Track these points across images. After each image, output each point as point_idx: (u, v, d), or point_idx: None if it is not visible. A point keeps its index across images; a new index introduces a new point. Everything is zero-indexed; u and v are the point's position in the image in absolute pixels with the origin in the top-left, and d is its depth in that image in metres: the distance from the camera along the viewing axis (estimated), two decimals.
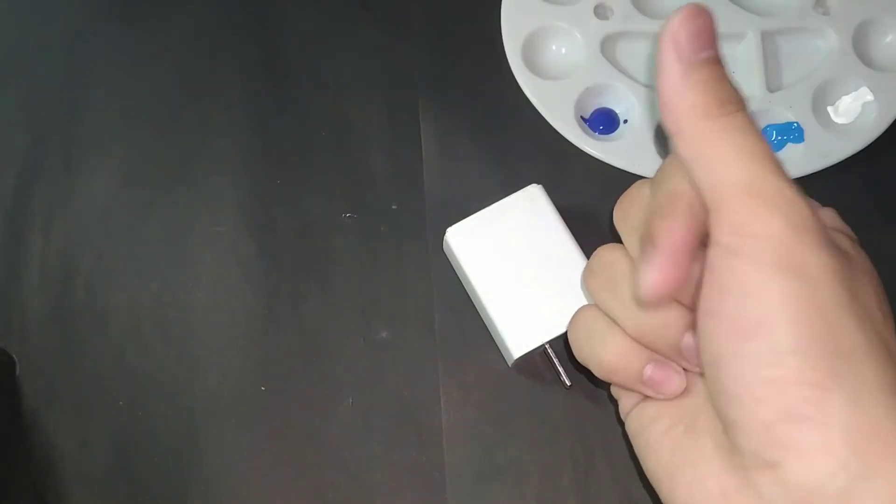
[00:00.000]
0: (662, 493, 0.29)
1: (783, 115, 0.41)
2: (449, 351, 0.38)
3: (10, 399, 0.38)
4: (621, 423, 0.37)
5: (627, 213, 0.31)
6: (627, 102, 0.42)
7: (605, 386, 0.38)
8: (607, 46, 0.43)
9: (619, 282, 0.30)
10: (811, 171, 0.40)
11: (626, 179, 0.41)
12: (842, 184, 0.41)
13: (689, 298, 0.28)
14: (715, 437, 0.27)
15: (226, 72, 0.43)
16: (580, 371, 0.37)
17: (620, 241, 0.31)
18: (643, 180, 0.31)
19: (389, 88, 0.43)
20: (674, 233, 0.26)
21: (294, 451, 0.37)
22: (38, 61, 0.44)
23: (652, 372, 0.29)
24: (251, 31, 0.44)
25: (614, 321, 0.30)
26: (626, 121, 0.42)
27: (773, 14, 0.43)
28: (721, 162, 0.25)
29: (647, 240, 0.27)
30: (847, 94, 0.42)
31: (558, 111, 0.42)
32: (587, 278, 0.32)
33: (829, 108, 0.42)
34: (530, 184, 0.38)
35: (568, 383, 0.36)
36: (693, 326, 0.28)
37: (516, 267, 0.36)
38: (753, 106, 0.41)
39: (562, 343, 0.37)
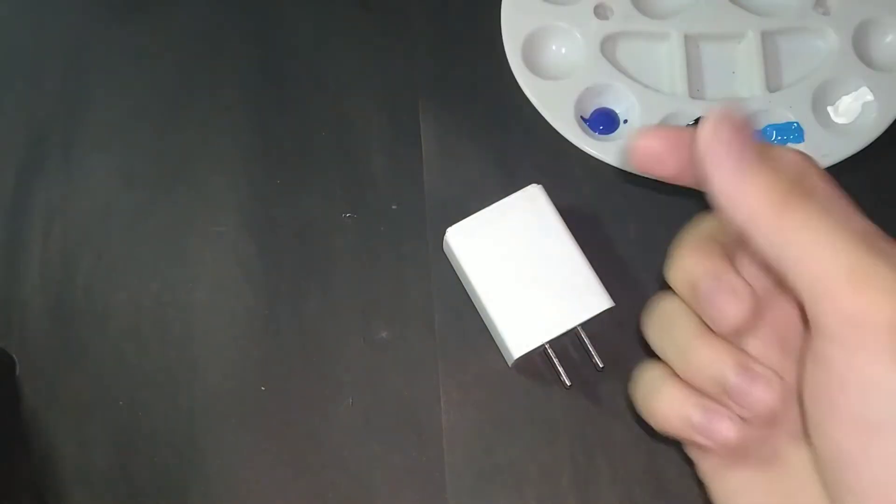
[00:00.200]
0: None
1: (783, 115, 0.41)
2: (449, 351, 0.38)
3: (10, 399, 0.38)
4: (621, 423, 0.37)
5: (682, 267, 0.29)
6: (627, 102, 0.42)
7: (605, 386, 0.38)
8: (607, 46, 0.43)
9: (672, 325, 0.29)
10: None
11: (626, 179, 0.41)
12: (842, 184, 0.41)
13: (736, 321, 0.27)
14: None
15: (226, 72, 0.43)
16: (580, 371, 0.38)
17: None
18: (694, 236, 0.30)
19: (389, 88, 0.43)
20: None
21: (294, 451, 0.37)
22: (38, 61, 0.44)
23: (701, 416, 0.27)
24: (251, 31, 0.44)
25: (669, 369, 0.29)
26: (626, 121, 0.42)
27: (773, 14, 0.43)
28: (814, 252, 0.23)
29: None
30: (847, 94, 0.42)
31: (558, 111, 0.42)
32: (647, 329, 0.31)
33: (829, 108, 0.42)
34: (530, 184, 0.38)
35: (568, 383, 0.36)
36: (741, 366, 0.27)
37: (516, 267, 0.36)
38: (753, 106, 0.41)
39: (562, 343, 0.37)
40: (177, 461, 0.37)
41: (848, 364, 0.23)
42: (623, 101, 0.42)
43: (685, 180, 0.27)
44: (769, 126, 0.41)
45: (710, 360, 0.27)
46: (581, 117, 0.42)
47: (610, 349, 0.37)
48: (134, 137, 0.42)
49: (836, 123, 0.42)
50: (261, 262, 0.40)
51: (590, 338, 0.36)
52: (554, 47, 0.43)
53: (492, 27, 0.43)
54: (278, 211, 0.41)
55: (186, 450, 0.37)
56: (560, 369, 0.36)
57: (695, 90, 0.42)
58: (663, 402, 0.29)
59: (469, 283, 0.37)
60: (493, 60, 0.43)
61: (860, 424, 0.23)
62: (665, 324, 0.30)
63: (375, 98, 0.43)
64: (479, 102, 0.43)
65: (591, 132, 0.42)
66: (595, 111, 0.42)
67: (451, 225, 0.37)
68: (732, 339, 0.28)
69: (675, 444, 0.36)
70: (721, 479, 0.29)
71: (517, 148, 0.42)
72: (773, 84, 0.42)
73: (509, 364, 0.37)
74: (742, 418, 0.27)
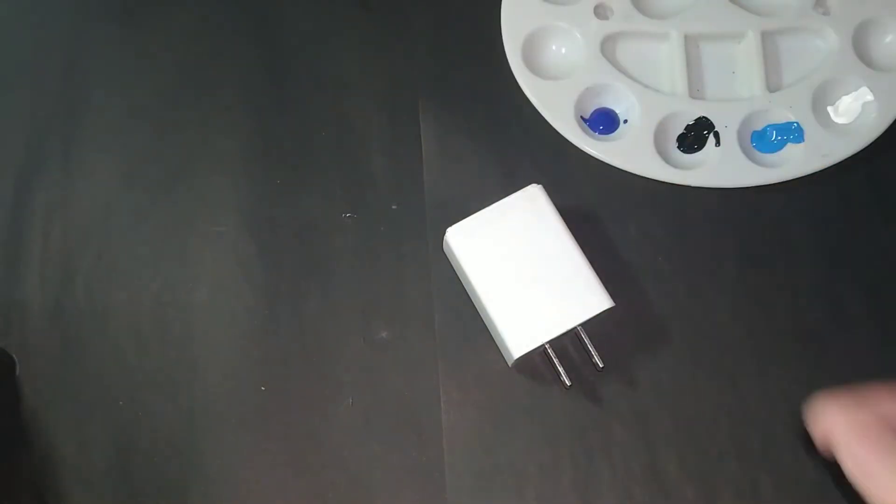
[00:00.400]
0: None
1: (783, 115, 0.41)
2: (449, 351, 0.38)
3: (10, 399, 0.38)
4: (621, 423, 0.37)
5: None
6: (627, 102, 0.42)
7: (605, 386, 0.38)
8: (607, 46, 0.43)
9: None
10: (811, 171, 0.40)
11: (626, 179, 0.41)
12: (842, 184, 0.41)
13: None
14: None
15: (226, 72, 0.43)
16: (580, 371, 0.38)
17: None
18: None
19: (389, 88, 0.43)
20: None
21: (294, 451, 0.37)
22: (38, 61, 0.44)
23: None
24: (251, 31, 0.44)
25: None
26: (626, 121, 0.42)
27: (773, 14, 0.43)
28: None
29: None
30: (847, 94, 0.42)
31: (558, 111, 0.42)
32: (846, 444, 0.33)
33: (829, 108, 0.42)
34: (530, 184, 0.38)
35: (568, 383, 0.36)
36: None
37: (516, 267, 0.36)
38: (753, 106, 0.41)
39: (562, 343, 0.37)
40: (177, 461, 0.37)
41: None
42: (623, 101, 0.42)
43: None
44: (769, 126, 0.41)
45: None
46: (581, 117, 0.42)
47: (610, 349, 0.37)
48: (134, 137, 0.42)
49: (836, 123, 0.42)
50: (261, 262, 0.40)
51: (590, 338, 0.36)
52: (554, 47, 0.43)
53: (492, 27, 0.43)
54: (278, 211, 0.41)
55: (186, 450, 0.37)
56: (560, 369, 0.36)
57: (695, 90, 0.42)
58: None
59: (469, 283, 0.37)
60: (493, 60, 0.43)
61: None
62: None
63: (375, 98, 0.43)
64: (479, 102, 0.43)
65: (591, 132, 0.42)
66: (595, 111, 0.42)
67: (451, 225, 0.37)
68: None
69: (674, 444, 0.36)
70: None
71: (517, 148, 0.42)
72: (773, 84, 0.42)
73: (509, 364, 0.37)
74: None
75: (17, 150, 0.42)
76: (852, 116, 0.42)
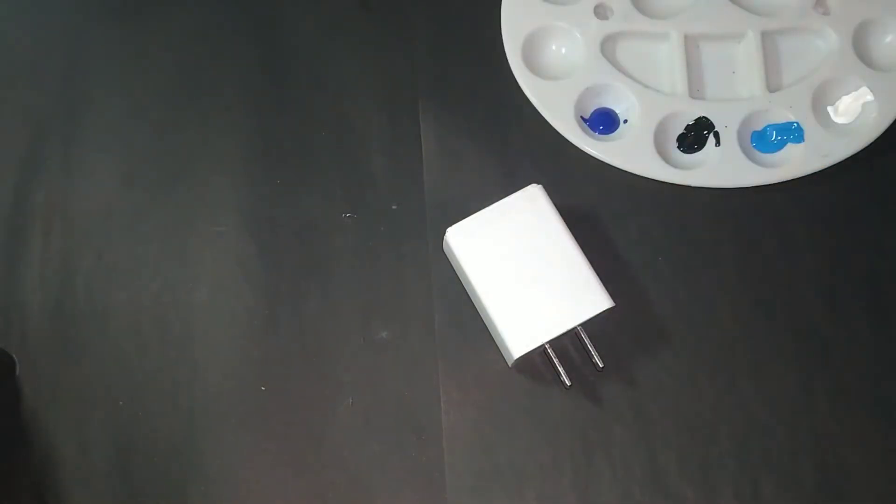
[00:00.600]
0: None
1: (783, 115, 0.41)
2: (449, 351, 0.38)
3: (10, 399, 0.38)
4: (621, 423, 0.37)
5: None
6: (627, 102, 0.42)
7: (605, 386, 0.38)
8: (607, 46, 0.43)
9: None
10: (811, 171, 0.40)
11: (626, 179, 0.41)
12: (842, 184, 0.41)
13: None
14: None
15: (226, 72, 0.43)
16: (580, 371, 0.38)
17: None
18: None
19: (389, 88, 0.43)
20: None
21: (294, 451, 0.37)
22: (38, 61, 0.44)
23: None
24: (251, 31, 0.44)
25: None
26: (626, 121, 0.42)
27: (773, 14, 0.43)
28: None
29: None
30: (847, 94, 0.42)
31: (558, 111, 0.42)
32: None
33: (829, 108, 0.42)
34: (530, 184, 0.38)
35: (568, 383, 0.36)
36: None
37: (516, 267, 0.36)
38: (753, 106, 0.41)
39: (562, 343, 0.37)
40: (177, 461, 0.37)
41: None
42: (623, 101, 0.42)
43: None
44: (769, 126, 0.41)
45: None
46: (581, 117, 0.42)
47: (610, 349, 0.37)
48: (134, 137, 0.42)
49: (836, 123, 0.42)
50: (261, 262, 0.40)
51: (590, 338, 0.36)
52: (554, 47, 0.43)
53: (492, 27, 0.43)
54: (278, 211, 0.41)
55: (186, 450, 0.37)
56: (560, 369, 0.36)
57: (695, 90, 0.42)
58: None
59: (469, 283, 0.37)
60: (493, 60, 0.43)
61: None
62: None
63: (375, 98, 0.43)
64: (479, 102, 0.43)
65: (591, 132, 0.42)
66: (595, 111, 0.42)
67: (451, 225, 0.37)
68: None
69: (674, 444, 0.36)
70: None
71: (517, 148, 0.42)
72: (773, 84, 0.42)
73: (509, 364, 0.37)
74: None
75: (17, 150, 0.42)
76: (852, 116, 0.42)
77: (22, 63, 0.44)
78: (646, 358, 0.38)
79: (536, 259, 0.36)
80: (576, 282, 0.36)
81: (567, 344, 0.38)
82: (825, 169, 0.40)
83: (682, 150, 0.41)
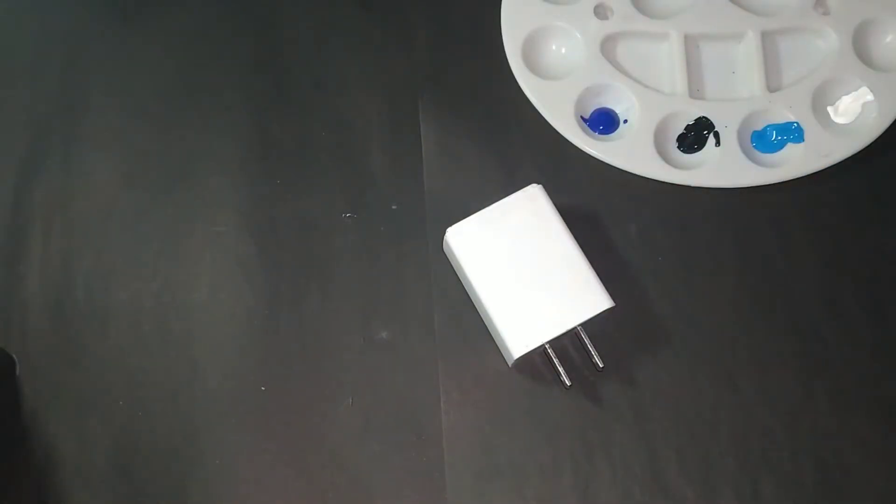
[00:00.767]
0: None
1: (783, 115, 0.41)
2: (449, 351, 0.38)
3: (10, 399, 0.38)
4: (621, 423, 0.37)
5: None
6: (627, 102, 0.42)
7: (605, 386, 0.38)
8: (607, 46, 0.43)
9: None
10: (811, 171, 0.40)
11: (626, 179, 0.41)
12: (842, 184, 0.41)
13: None
14: None
15: (226, 72, 0.43)
16: (580, 371, 0.38)
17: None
18: None
19: (389, 88, 0.43)
20: None
21: (294, 451, 0.37)
22: (38, 61, 0.44)
23: None
24: (251, 32, 0.44)
25: None
26: (626, 121, 0.42)
27: (773, 14, 0.43)
28: None
29: None
30: (847, 94, 0.42)
31: (558, 111, 0.42)
32: None
33: (829, 108, 0.42)
34: (530, 184, 0.38)
35: (568, 383, 0.36)
36: None
37: (516, 267, 0.36)
38: (753, 106, 0.41)
39: (562, 343, 0.37)
40: (177, 461, 0.37)
41: None
42: (623, 101, 0.42)
43: None
44: (769, 126, 0.41)
45: None
46: (581, 117, 0.42)
47: (610, 349, 0.37)
48: (134, 137, 0.42)
49: (836, 123, 0.42)
50: (261, 262, 0.40)
51: (590, 338, 0.36)
52: (554, 47, 0.43)
53: (492, 27, 0.43)
54: (278, 211, 0.41)
55: (186, 450, 0.37)
56: (560, 369, 0.36)
57: (695, 90, 0.42)
58: None
59: (469, 283, 0.37)
60: (493, 60, 0.43)
61: None
62: None
63: (375, 98, 0.43)
64: (479, 102, 0.43)
65: (591, 132, 0.42)
66: (595, 111, 0.42)
67: (451, 225, 0.37)
68: None
69: (674, 444, 0.36)
70: None
71: (517, 148, 0.42)
72: (773, 84, 0.42)
73: (509, 364, 0.37)
74: None
75: (17, 150, 0.42)
76: (852, 116, 0.42)
77: (22, 63, 0.44)
78: (646, 358, 0.38)
79: (536, 259, 0.36)
80: (576, 282, 0.36)
81: (567, 344, 0.38)
82: (825, 169, 0.40)
83: (682, 150, 0.41)
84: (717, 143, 0.41)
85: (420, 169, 0.41)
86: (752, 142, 0.41)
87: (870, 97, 0.41)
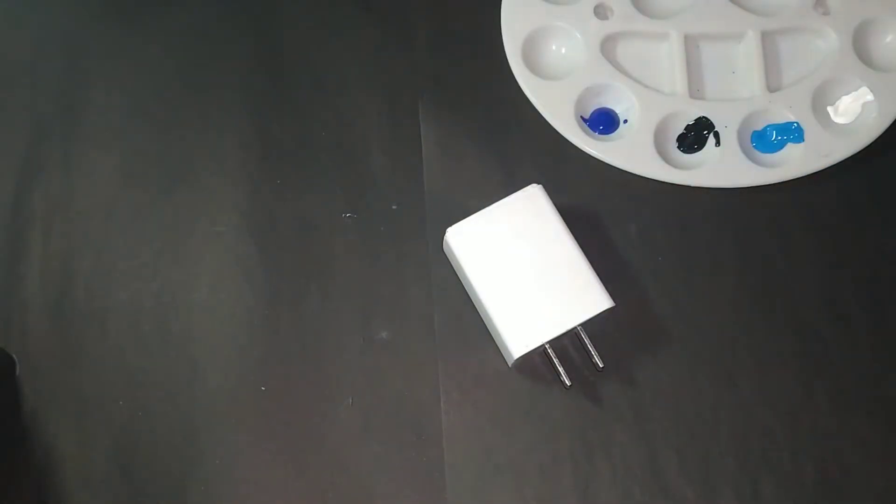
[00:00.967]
0: None
1: (783, 115, 0.41)
2: (449, 351, 0.38)
3: (10, 399, 0.38)
4: (621, 423, 0.37)
5: None
6: (627, 102, 0.42)
7: (605, 386, 0.38)
8: (607, 46, 0.43)
9: None
10: (811, 171, 0.40)
11: (626, 179, 0.41)
12: (842, 184, 0.41)
13: None
14: None
15: (226, 72, 0.43)
16: (580, 371, 0.38)
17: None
18: None
19: (389, 88, 0.43)
20: None
21: (294, 451, 0.37)
22: (38, 61, 0.44)
23: None
24: (251, 32, 0.44)
25: None
26: (626, 121, 0.42)
27: (773, 14, 0.43)
28: None
29: None
30: (847, 94, 0.42)
31: (558, 111, 0.42)
32: None
33: (829, 108, 0.42)
34: (530, 184, 0.38)
35: (568, 383, 0.36)
36: None
37: (516, 267, 0.36)
38: (753, 106, 0.41)
39: (562, 343, 0.37)
40: (177, 461, 0.37)
41: None
42: (623, 101, 0.42)
43: None
44: (769, 126, 0.41)
45: None
46: (581, 117, 0.42)
47: (610, 349, 0.37)
48: (134, 137, 0.42)
49: (836, 123, 0.42)
50: (261, 262, 0.40)
51: (590, 338, 0.36)
52: (554, 47, 0.43)
53: (492, 27, 0.43)
54: (278, 211, 0.41)
55: (186, 450, 0.37)
56: (560, 369, 0.36)
57: (695, 90, 0.42)
58: None
59: (469, 283, 0.37)
60: (493, 60, 0.43)
61: None
62: None
63: (375, 98, 0.43)
64: (479, 102, 0.43)
65: (591, 132, 0.42)
66: (595, 111, 0.42)
67: (451, 225, 0.37)
68: None
69: (674, 444, 0.36)
70: None
71: (517, 148, 0.42)
72: (773, 84, 0.42)
73: (509, 364, 0.37)
74: None
75: (17, 150, 0.42)
76: (852, 116, 0.42)
77: (22, 63, 0.44)
78: (646, 358, 0.38)
79: (536, 259, 0.36)
80: (576, 282, 0.36)
81: (567, 344, 0.38)
82: (825, 169, 0.40)
83: (682, 150, 0.41)
84: (717, 143, 0.41)
85: (420, 169, 0.41)
86: (752, 142, 0.41)
87: (870, 97, 0.41)
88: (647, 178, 0.41)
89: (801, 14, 0.43)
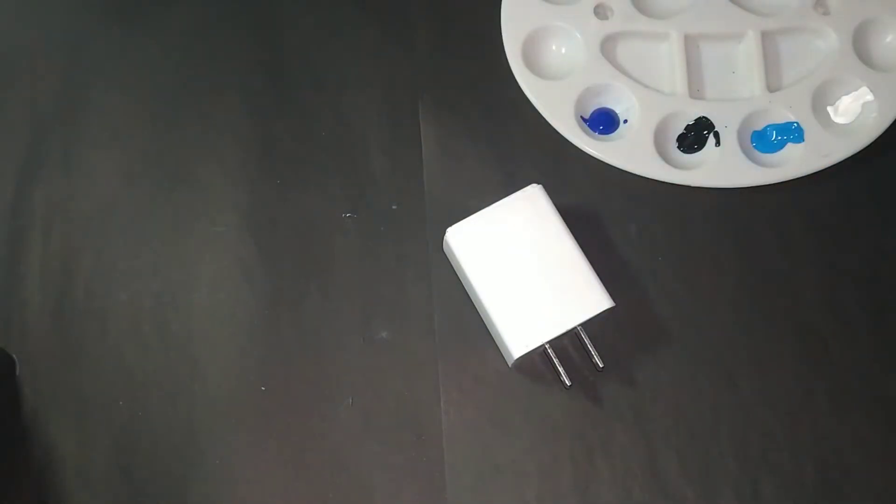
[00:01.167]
0: None
1: (783, 115, 0.41)
2: (449, 351, 0.38)
3: (10, 399, 0.38)
4: (621, 423, 0.37)
5: None
6: (627, 102, 0.42)
7: (605, 386, 0.38)
8: (607, 46, 0.43)
9: None
10: (811, 171, 0.40)
11: (626, 179, 0.41)
12: (842, 184, 0.41)
13: None
14: None
15: (226, 72, 0.43)
16: (580, 371, 0.38)
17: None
18: None
19: (389, 88, 0.43)
20: None
21: (294, 451, 0.37)
22: (38, 61, 0.44)
23: None
24: (251, 32, 0.44)
25: None
26: (626, 121, 0.42)
27: (773, 14, 0.43)
28: None
29: None
30: (847, 94, 0.42)
31: (558, 111, 0.42)
32: None
33: (829, 108, 0.42)
34: (530, 184, 0.38)
35: (568, 383, 0.36)
36: None
37: (516, 267, 0.36)
38: (753, 106, 0.41)
39: (562, 343, 0.37)
40: (177, 461, 0.37)
41: None
42: (623, 101, 0.42)
43: None
44: (769, 126, 0.41)
45: None
46: (581, 117, 0.42)
47: (610, 349, 0.37)
48: (134, 137, 0.42)
49: (836, 123, 0.42)
50: (261, 262, 0.40)
51: (590, 338, 0.36)
52: (554, 47, 0.43)
53: (492, 27, 0.43)
54: (278, 211, 0.41)
55: (186, 450, 0.37)
56: (560, 369, 0.36)
57: (695, 90, 0.42)
58: None
59: (469, 283, 0.37)
60: (493, 60, 0.43)
61: None
62: None
63: (375, 98, 0.43)
64: (479, 102, 0.43)
65: (591, 132, 0.42)
66: (595, 111, 0.42)
67: (451, 225, 0.37)
68: None
69: (674, 444, 0.36)
70: None
71: (517, 148, 0.42)
72: (773, 84, 0.42)
73: (509, 364, 0.37)
74: None
75: (17, 150, 0.42)
76: (852, 116, 0.42)
77: (22, 63, 0.44)
78: (646, 358, 0.38)
79: (536, 259, 0.36)
80: (576, 282, 0.36)
81: (567, 344, 0.38)
82: (825, 169, 0.40)
83: (682, 150, 0.41)
84: (717, 143, 0.41)
85: (420, 169, 0.41)
86: (752, 142, 0.41)
87: (870, 97, 0.41)
88: (647, 178, 0.41)
89: (801, 14, 0.43)
